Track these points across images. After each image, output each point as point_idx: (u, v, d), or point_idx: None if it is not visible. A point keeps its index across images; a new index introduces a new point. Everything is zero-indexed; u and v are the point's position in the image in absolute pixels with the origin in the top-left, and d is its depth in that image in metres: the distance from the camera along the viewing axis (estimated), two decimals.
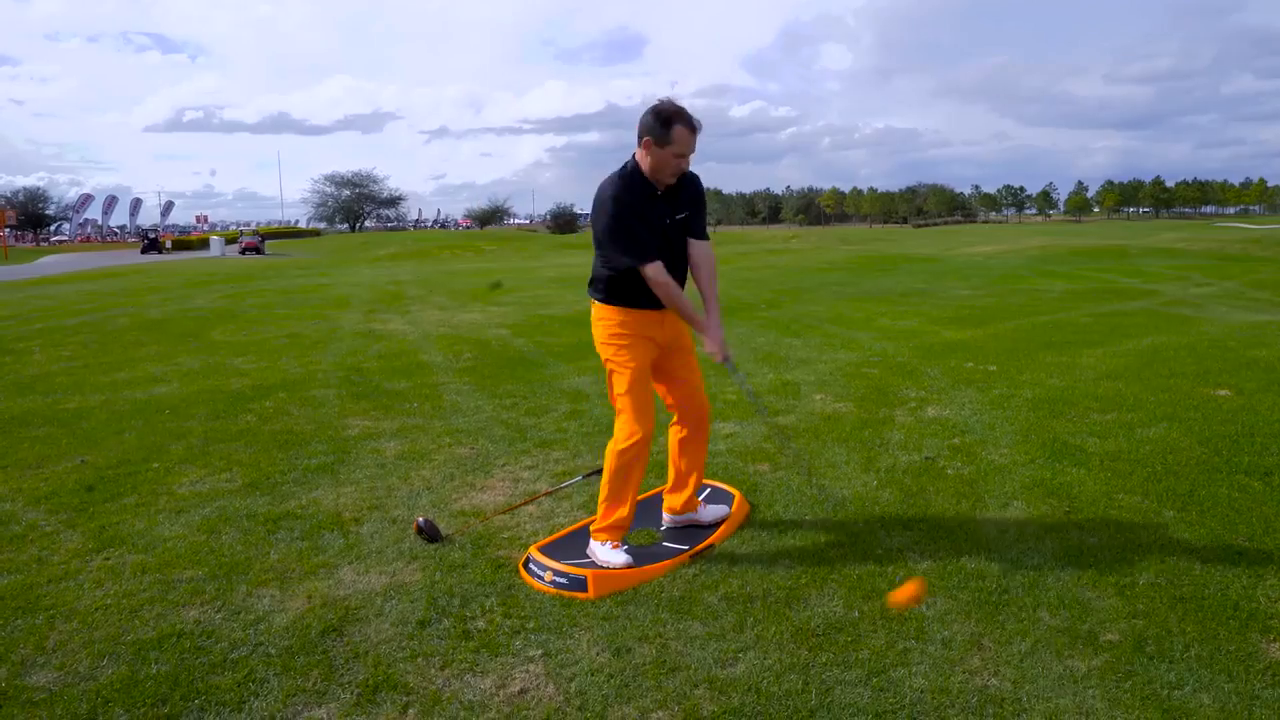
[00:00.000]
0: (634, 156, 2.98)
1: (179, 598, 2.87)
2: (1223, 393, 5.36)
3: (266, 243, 46.45)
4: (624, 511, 3.08)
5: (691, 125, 2.89)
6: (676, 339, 3.16)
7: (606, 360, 3.09)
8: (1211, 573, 2.87)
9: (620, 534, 3.08)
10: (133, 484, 4.09)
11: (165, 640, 2.59)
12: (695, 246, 3.11)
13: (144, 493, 3.96)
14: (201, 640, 2.59)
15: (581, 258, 27.11)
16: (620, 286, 3.01)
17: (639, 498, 3.66)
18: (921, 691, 2.25)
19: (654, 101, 2.95)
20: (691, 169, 3.04)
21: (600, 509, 3.10)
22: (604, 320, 3.07)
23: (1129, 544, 3.12)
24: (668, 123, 2.86)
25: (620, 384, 3.05)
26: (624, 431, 3.04)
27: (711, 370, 6.48)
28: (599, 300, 3.08)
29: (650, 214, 2.95)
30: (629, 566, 2.96)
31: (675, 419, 3.30)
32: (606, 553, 3.01)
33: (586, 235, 55.16)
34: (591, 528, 3.14)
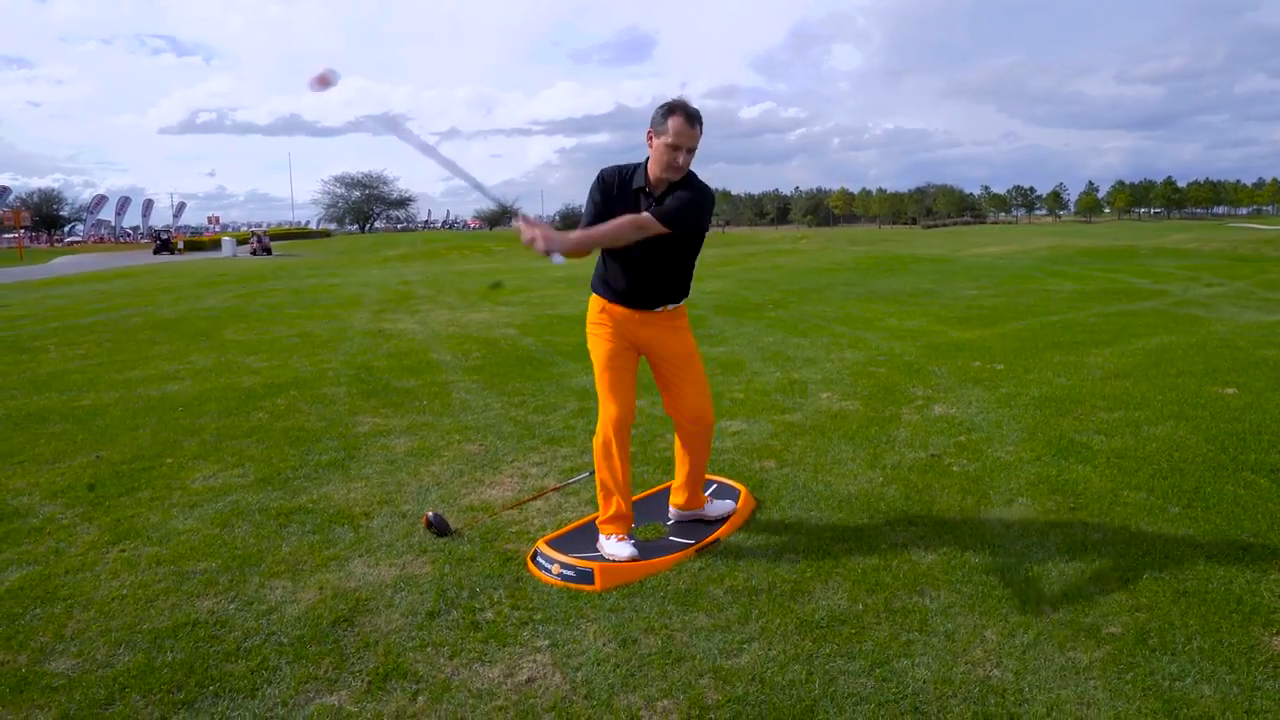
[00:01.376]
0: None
1: (193, 588, 2.93)
2: (1230, 391, 5.36)
3: (277, 243, 46.84)
4: (617, 500, 3.11)
5: (689, 116, 2.83)
6: (663, 346, 3.14)
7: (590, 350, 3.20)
8: (1215, 568, 2.89)
9: (624, 526, 3.12)
10: (147, 479, 4.15)
11: (180, 629, 2.64)
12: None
13: (158, 487, 4.02)
14: (215, 629, 2.64)
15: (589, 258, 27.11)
16: (598, 276, 3.18)
17: (645, 493, 3.71)
18: (924, 682, 2.28)
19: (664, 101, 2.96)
20: (699, 173, 2.98)
21: (599, 503, 3.19)
22: (589, 310, 3.20)
23: (1133, 539, 3.14)
24: (667, 113, 2.87)
25: (594, 372, 3.16)
26: (597, 421, 3.16)
27: (718, 371, 6.52)
28: (592, 291, 3.22)
29: (618, 200, 2.98)
30: (634, 559, 2.99)
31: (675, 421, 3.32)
32: (612, 546, 3.05)
33: None
34: (597, 522, 3.19)
